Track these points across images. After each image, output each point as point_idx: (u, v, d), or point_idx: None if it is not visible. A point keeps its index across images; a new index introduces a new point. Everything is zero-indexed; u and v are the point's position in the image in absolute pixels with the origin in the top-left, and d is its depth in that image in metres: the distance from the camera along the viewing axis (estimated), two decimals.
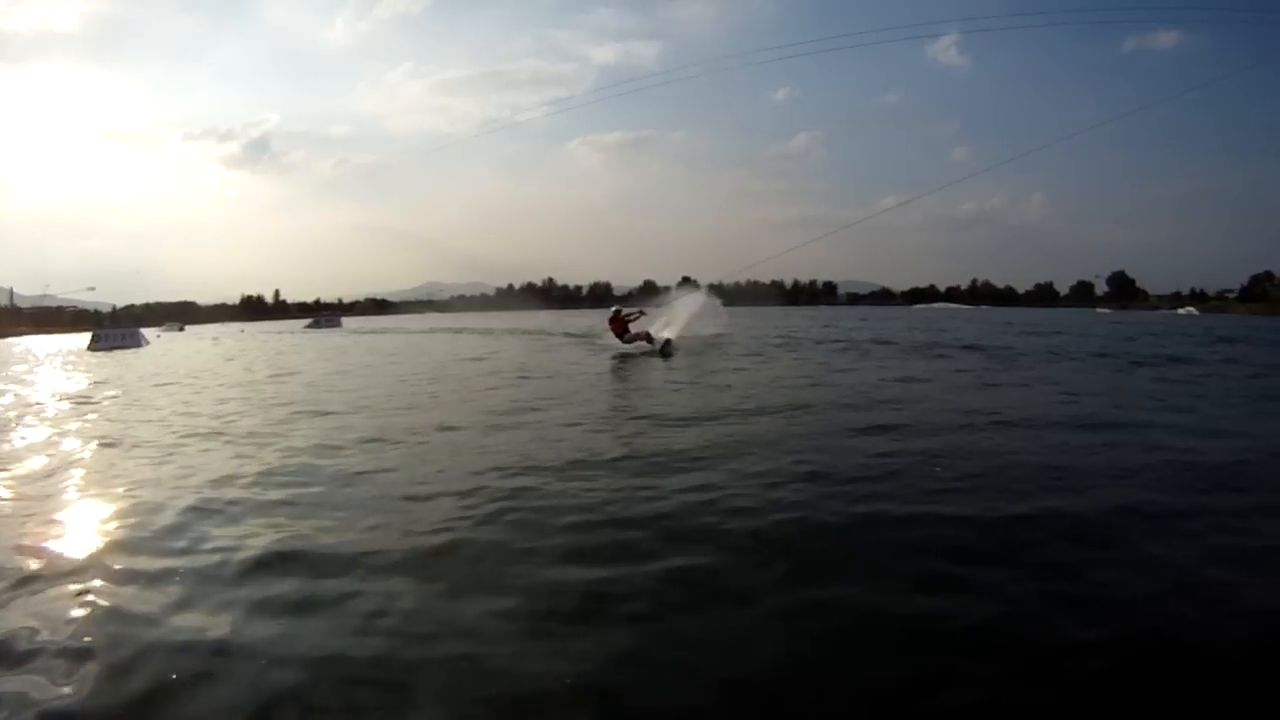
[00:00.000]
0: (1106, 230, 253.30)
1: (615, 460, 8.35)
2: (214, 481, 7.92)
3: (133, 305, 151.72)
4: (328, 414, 12.84)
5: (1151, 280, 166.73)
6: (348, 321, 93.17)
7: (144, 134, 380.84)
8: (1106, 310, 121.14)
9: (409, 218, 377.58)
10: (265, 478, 8.05)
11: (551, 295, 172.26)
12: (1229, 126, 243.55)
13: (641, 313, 25.58)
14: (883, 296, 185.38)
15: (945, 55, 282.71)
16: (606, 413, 11.98)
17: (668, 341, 23.46)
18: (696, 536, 5.70)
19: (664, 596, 4.64)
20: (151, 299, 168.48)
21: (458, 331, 50.44)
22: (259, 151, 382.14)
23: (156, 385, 19.48)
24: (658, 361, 20.90)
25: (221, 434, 11.01)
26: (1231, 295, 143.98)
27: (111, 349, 41.58)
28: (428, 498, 6.98)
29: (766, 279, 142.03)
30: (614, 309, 25.72)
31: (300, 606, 4.63)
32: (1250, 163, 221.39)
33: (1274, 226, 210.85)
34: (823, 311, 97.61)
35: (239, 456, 9.33)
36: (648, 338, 23.94)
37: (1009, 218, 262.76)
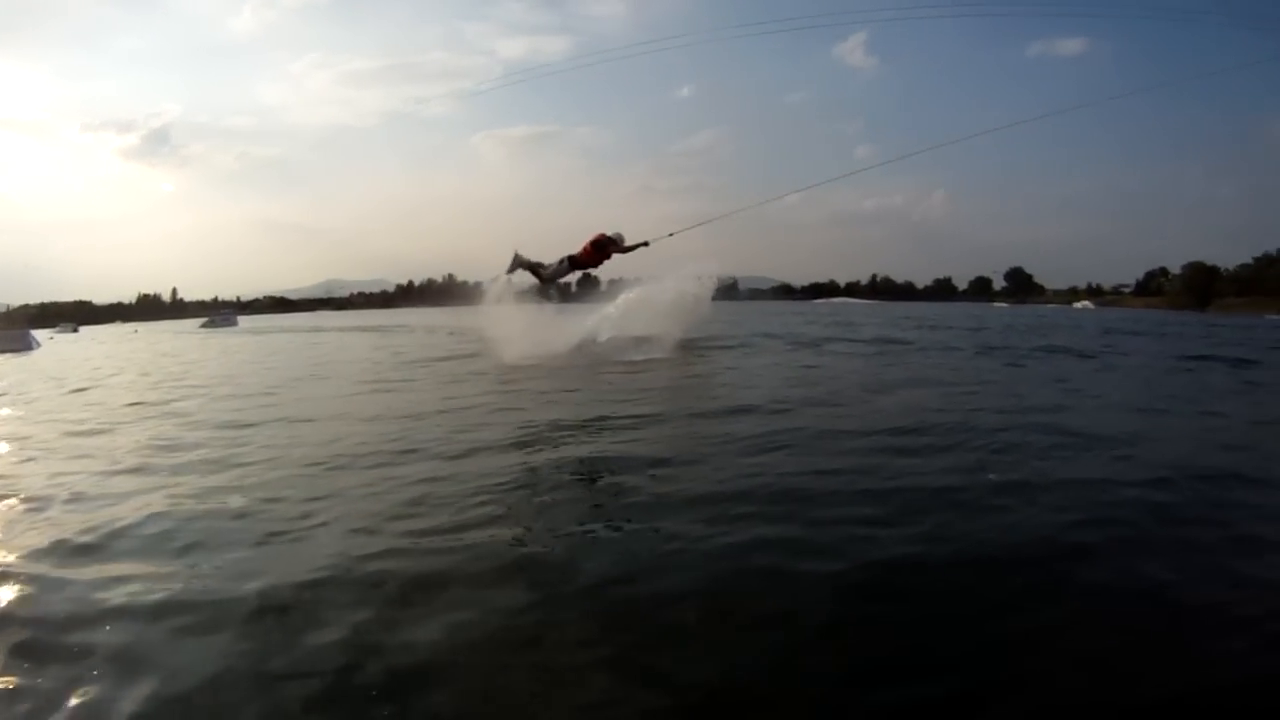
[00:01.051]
0: (1007, 228, 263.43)
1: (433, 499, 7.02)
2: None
3: (27, 305, 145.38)
4: (166, 419, 12.40)
5: (1049, 276, 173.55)
6: (246, 320, 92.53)
7: (41, 124, 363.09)
8: (1004, 304, 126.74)
9: (311, 213, 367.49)
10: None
11: (453, 292, 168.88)
12: (1129, 130, 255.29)
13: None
14: (784, 292, 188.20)
15: (852, 56, 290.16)
16: (450, 426, 10.76)
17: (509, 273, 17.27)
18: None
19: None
20: (47, 298, 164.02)
21: (345, 330, 50.31)
22: (159, 143, 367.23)
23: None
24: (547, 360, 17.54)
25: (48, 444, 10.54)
26: (1127, 290, 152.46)
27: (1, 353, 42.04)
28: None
29: None
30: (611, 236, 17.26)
31: None
32: (1150, 164, 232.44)
33: (1171, 225, 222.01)
34: (729, 307, 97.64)
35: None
36: (554, 275, 17.34)
37: (911, 214, 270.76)
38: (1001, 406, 11.39)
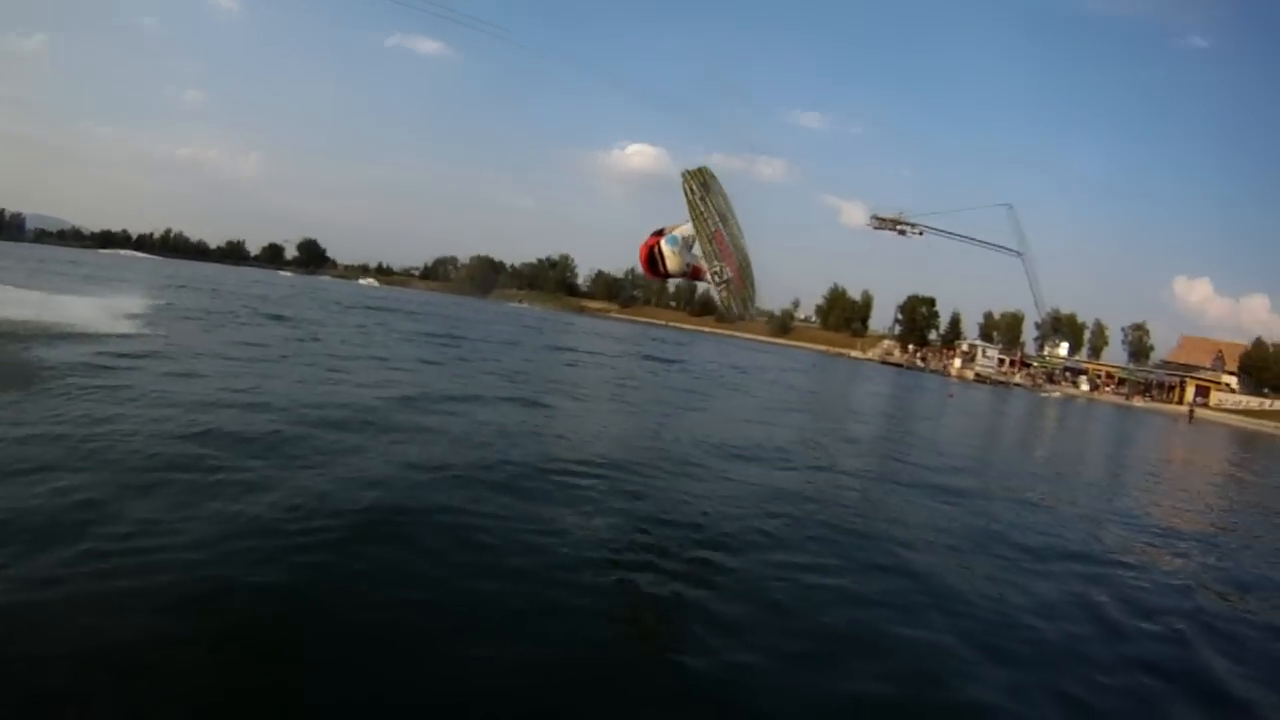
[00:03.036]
0: (310, 199, 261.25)
1: None
2: None
3: None
4: None
5: (342, 251, 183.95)
6: None
7: None
8: (289, 274, 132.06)
9: None
10: None
11: None
12: (447, 129, 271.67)
13: None
14: (74, 237, 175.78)
15: None
16: None
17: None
18: None
19: None
20: None
21: None
22: None
23: None
24: None
25: None
26: (416, 273, 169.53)
27: None
28: None
29: None
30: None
31: None
32: (456, 164, 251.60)
33: (468, 221, 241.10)
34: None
35: None
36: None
37: (222, 171, 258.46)
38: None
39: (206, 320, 21.67)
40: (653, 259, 8.78)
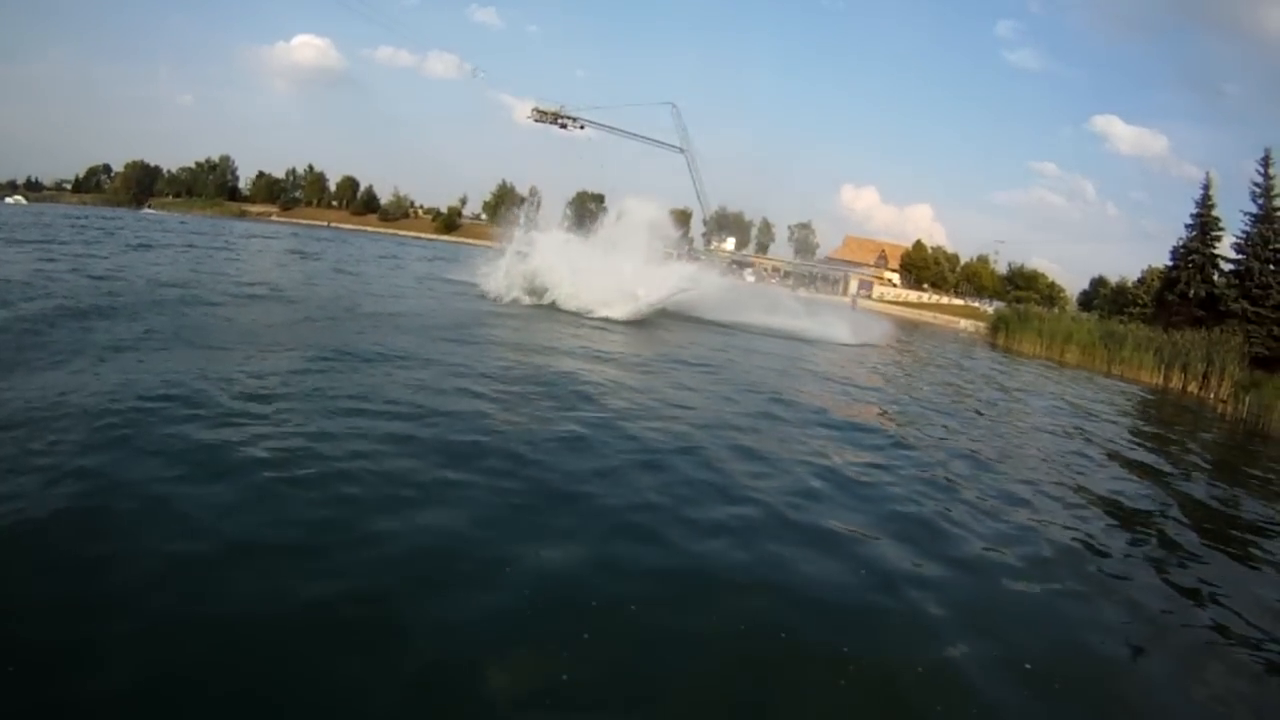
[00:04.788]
0: None
1: None
2: None
3: None
4: None
5: None
6: None
7: None
8: None
9: None
10: None
11: None
12: (86, 17, 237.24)
13: None
14: None
15: None
16: None
17: None
18: None
19: None
20: None
21: None
22: None
23: None
24: None
25: None
26: (68, 186, 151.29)
27: None
28: None
29: None
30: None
31: None
32: (91, 57, 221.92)
33: (110, 124, 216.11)
34: None
35: None
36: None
37: None
38: None
39: None
40: None
